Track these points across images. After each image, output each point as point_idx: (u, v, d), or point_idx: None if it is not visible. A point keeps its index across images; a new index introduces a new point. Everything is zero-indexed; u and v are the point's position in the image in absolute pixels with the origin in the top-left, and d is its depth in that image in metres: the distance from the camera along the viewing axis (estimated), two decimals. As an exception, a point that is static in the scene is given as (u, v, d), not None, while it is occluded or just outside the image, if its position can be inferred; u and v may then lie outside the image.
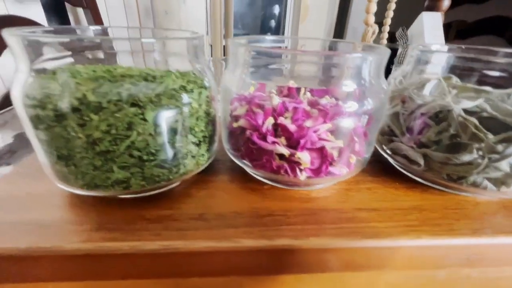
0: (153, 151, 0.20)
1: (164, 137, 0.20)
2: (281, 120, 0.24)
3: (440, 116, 0.25)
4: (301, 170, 0.23)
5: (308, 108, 0.25)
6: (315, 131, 0.23)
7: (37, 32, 0.22)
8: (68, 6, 1.36)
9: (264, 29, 2.35)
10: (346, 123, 0.23)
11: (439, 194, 0.26)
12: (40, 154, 0.21)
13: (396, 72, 0.31)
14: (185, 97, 0.21)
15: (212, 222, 0.21)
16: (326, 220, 0.22)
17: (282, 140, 0.23)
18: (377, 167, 0.30)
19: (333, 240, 0.20)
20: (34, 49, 0.19)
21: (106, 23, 1.60)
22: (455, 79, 0.26)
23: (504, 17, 1.46)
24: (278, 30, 2.33)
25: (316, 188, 0.26)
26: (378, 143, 0.31)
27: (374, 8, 0.67)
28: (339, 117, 0.23)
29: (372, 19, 0.67)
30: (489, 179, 0.24)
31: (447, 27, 1.41)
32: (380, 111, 0.25)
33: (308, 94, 0.29)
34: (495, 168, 0.23)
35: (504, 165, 0.23)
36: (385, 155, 0.30)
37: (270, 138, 0.23)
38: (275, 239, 0.20)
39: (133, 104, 0.19)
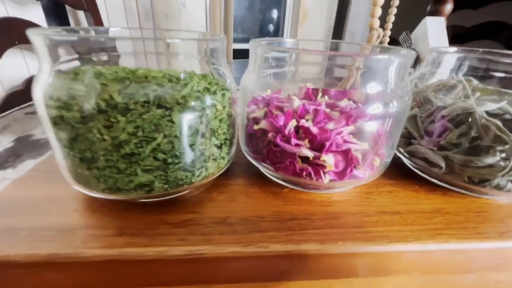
0: (178, 153, 0.20)
1: (189, 139, 0.20)
2: (303, 122, 0.24)
3: (459, 119, 0.25)
4: (325, 173, 0.23)
5: (327, 110, 0.25)
6: (338, 134, 0.23)
7: (60, 32, 0.21)
8: (68, 8, 1.36)
9: (263, 33, 2.37)
10: (370, 125, 0.23)
11: (460, 197, 0.26)
12: (60, 156, 0.20)
13: (412, 75, 0.31)
14: (209, 99, 0.21)
15: (236, 227, 0.21)
16: (351, 223, 0.22)
17: (306, 142, 0.23)
18: (395, 170, 0.30)
19: (361, 244, 0.20)
20: (56, 50, 0.18)
21: (105, 25, 1.60)
22: (475, 82, 0.26)
23: (500, 22, 1.48)
24: (277, 34, 2.34)
25: (337, 192, 0.26)
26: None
27: (379, 12, 0.68)
28: (361, 120, 0.23)
29: (377, 23, 0.68)
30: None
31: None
32: (403, 114, 0.25)
33: (326, 97, 0.28)
34: (519, 170, 0.23)
35: (528, 167, 0.22)
36: (403, 158, 0.29)
37: (294, 141, 0.22)
38: (302, 244, 0.19)
39: (160, 106, 0.18)
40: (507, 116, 0.24)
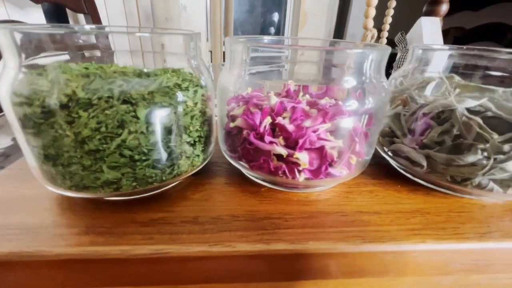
0: (145, 150, 0.19)
1: (157, 136, 0.19)
2: (279, 120, 0.23)
3: (443, 117, 0.25)
4: (299, 171, 0.22)
5: (307, 108, 0.24)
6: (314, 131, 0.23)
7: (27, 26, 0.21)
8: (69, 12, 1.37)
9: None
10: (346, 123, 0.23)
11: (443, 196, 0.25)
12: (28, 154, 0.20)
13: (396, 73, 0.30)
14: (179, 95, 0.20)
15: (207, 226, 0.20)
16: (326, 223, 0.21)
17: (280, 140, 0.22)
18: (379, 170, 0.29)
19: (334, 244, 0.19)
20: (25, 44, 0.18)
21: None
22: (457, 78, 0.25)
23: (501, 24, 1.47)
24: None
25: (316, 191, 0.25)
26: (379, 145, 0.30)
27: (373, 12, 0.67)
28: (339, 117, 0.23)
29: (371, 23, 0.67)
30: (495, 181, 0.23)
31: (444, 33, 1.41)
32: (381, 111, 0.24)
33: (307, 95, 0.28)
34: (501, 169, 0.22)
35: (510, 166, 0.22)
36: (387, 157, 0.29)
37: (268, 138, 0.22)
38: (272, 244, 0.19)
39: (125, 101, 0.18)
40: (489, 114, 0.23)
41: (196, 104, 0.22)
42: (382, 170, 0.29)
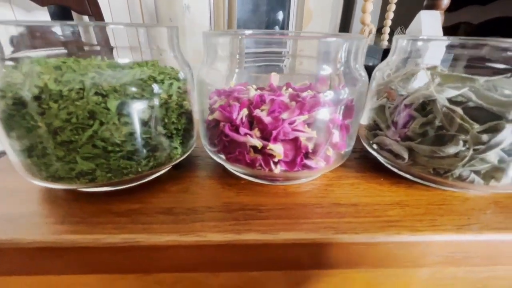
0: (118, 141, 0.20)
1: (130, 127, 0.20)
2: (257, 112, 0.23)
3: (428, 109, 0.24)
4: (275, 163, 0.22)
5: (287, 100, 0.24)
6: (291, 123, 0.22)
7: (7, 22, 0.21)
8: (74, 14, 1.39)
9: (267, 35, 2.36)
10: (323, 114, 0.22)
11: (426, 189, 0.25)
12: (7, 147, 0.21)
13: (381, 64, 0.30)
14: (153, 88, 0.21)
15: (180, 217, 0.20)
16: (300, 215, 0.21)
17: (256, 132, 0.22)
18: (365, 163, 0.29)
19: (305, 234, 0.19)
20: (3, 39, 0.19)
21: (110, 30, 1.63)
22: (440, 69, 0.25)
23: (509, 18, 1.43)
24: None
25: (296, 183, 0.25)
26: (365, 138, 0.30)
27: (370, 7, 0.67)
28: (316, 109, 0.23)
29: (368, 18, 0.67)
30: (476, 173, 0.22)
31: (452, 29, 1.39)
32: (359, 102, 0.24)
33: (290, 89, 0.28)
34: (481, 160, 0.21)
35: (491, 156, 0.21)
36: (371, 150, 0.28)
37: (243, 130, 0.22)
38: (242, 234, 0.19)
39: (96, 93, 0.18)
40: (471, 104, 0.22)
41: (170, 96, 0.22)
42: (367, 164, 0.29)
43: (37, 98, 0.18)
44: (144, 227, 0.19)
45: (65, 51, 0.21)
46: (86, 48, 0.22)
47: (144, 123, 0.21)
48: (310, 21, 2.14)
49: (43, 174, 0.20)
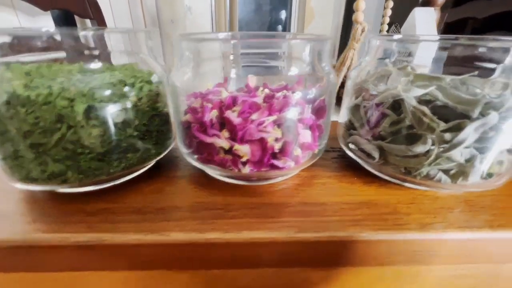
0: (87, 144, 0.20)
1: (99, 130, 0.20)
2: (227, 113, 0.24)
3: (398, 108, 0.24)
4: (243, 163, 0.23)
5: (261, 101, 0.25)
6: (260, 124, 0.23)
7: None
8: (77, 18, 1.42)
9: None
10: (292, 114, 0.23)
11: (397, 188, 0.25)
12: (-14, 149, 0.22)
13: (362, 64, 0.29)
14: (122, 91, 0.21)
15: (148, 216, 0.21)
16: (267, 214, 0.21)
17: (224, 133, 0.23)
18: (341, 162, 0.29)
19: (267, 233, 0.19)
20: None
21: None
22: (410, 68, 0.25)
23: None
24: (283, 34, 2.32)
25: (268, 183, 0.25)
26: (342, 138, 0.30)
27: (363, 5, 0.66)
28: (286, 109, 0.23)
29: (361, 16, 0.66)
30: (445, 171, 0.22)
31: (457, 24, 1.36)
32: (329, 101, 0.24)
33: (266, 90, 0.28)
34: (447, 158, 0.21)
35: (456, 155, 0.21)
36: (346, 150, 0.29)
37: (211, 131, 0.23)
38: (206, 233, 0.19)
39: (64, 98, 0.19)
40: (438, 103, 0.22)
41: (140, 99, 0.23)
42: (344, 163, 0.29)
43: (7, 103, 0.18)
44: (112, 226, 0.20)
45: (58, 55, 0.22)
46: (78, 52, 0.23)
47: (114, 126, 0.21)
48: (312, 20, 2.13)
49: (18, 175, 0.21)
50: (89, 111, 0.20)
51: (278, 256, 0.20)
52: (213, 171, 0.24)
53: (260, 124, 0.23)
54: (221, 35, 0.31)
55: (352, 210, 0.22)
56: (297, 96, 0.24)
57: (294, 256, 0.20)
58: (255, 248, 0.20)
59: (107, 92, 0.21)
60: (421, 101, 0.23)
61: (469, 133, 0.20)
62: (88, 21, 1.48)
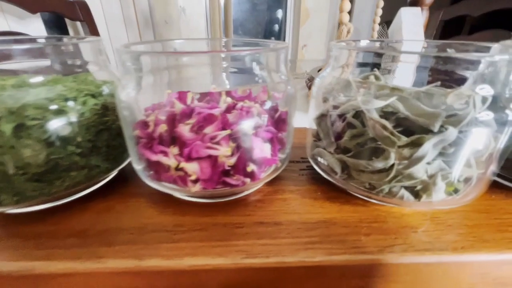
0: (20, 164, 0.19)
1: (32, 150, 0.19)
2: (179, 127, 0.22)
3: (360, 120, 0.23)
4: (193, 181, 0.21)
5: (219, 113, 0.23)
6: (212, 138, 0.21)
7: None
8: (68, 20, 1.41)
9: (265, 34, 2.35)
10: (246, 127, 0.21)
11: (362, 205, 0.23)
12: None
13: (324, 72, 0.28)
14: (59, 107, 0.20)
15: (90, 240, 0.20)
16: (215, 236, 0.20)
17: (173, 149, 0.21)
18: (308, 175, 0.28)
19: (210, 259, 0.18)
20: None
21: (105, 35, 1.64)
22: (372, 78, 0.23)
23: (508, 10, 1.38)
24: (279, 34, 2.32)
25: (226, 200, 0.24)
26: (309, 149, 0.29)
27: (348, 6, 0.65)
28: (242, 122, 0.22)
29: (346, 17, 0.65)
30: (408, 188, 0.21)
31: (452, 22, 1.35)
32: (286, 114, 0.23)
33: (229, 99, 0.27)
34: (408, 175, 0.20)
35: (418, 171, 0.20)
36: (312, 162, 0.27)
37: (158, 147, 0.21)
38: (145, 259, 0.18)
39: (-8, 116, 0.18)
40: (401, 115, 0.21)
41: (83, 114, 0.21)
42: (310, 176, 0.28)
43: None
44: (48, 253, 0.19)
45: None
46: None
47: (51, 144, 0.20)
48: (307, 19, 2.11)
49: None
50: (20, 130, 0.18)
51: (223, 284, 0.19)
52: (165, 189, 0.23)
53: (212, 138, 0.21)
54: (175, 42, 0.29)
55: (309, 230, 0.21)
56: (255, 108, 0.23)
57: (239, 283, 0.19)
58: (197, 276, 0.18)
59: (42, 109, 0.19)
60: (385, 112, 0.21)
61: (428, 149, 0.19)
62: (78, 23, 1.47)
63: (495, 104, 0.19)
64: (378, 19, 0.89)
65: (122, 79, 0.22)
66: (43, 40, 0.30)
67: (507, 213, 0.22)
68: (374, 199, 0.23)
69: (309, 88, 0.68)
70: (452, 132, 0.18)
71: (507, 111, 0.19)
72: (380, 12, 0.90)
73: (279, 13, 2.27)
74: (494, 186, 0.25)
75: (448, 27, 1.46)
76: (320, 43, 2.14)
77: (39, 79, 0.21)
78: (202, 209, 0.23)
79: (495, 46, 0.24)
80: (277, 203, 0.24)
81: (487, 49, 0.24)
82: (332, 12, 2.16)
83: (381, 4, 0.87)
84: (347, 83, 0.25)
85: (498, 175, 0.26)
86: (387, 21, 0.91)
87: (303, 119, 0.29)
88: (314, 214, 0.22)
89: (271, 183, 0.26)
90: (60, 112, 0.20)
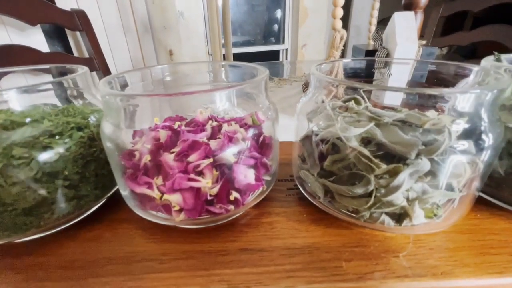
0: (9, 201, 0.20)
1: (20, 187, 0.20)
2: (164, 156, 0.23)
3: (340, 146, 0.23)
4: (177, 211, 0.22)
5: (204, 138, 0.24)
6: (196, 167, 0.22)
7: None
8: (68, 30, 1.42)
9: (264, 35, 2.35)
10: (228, 155, 0.22)
11: (346, 228, 0.24)
12: None
13: (307, 97, 0.28)
14: (46, 143, 0.21)
15: (76, 272, 0.20)
16: (199, 265, 0.21)
17: (157, 180, 0.22)
18: (295, 195, 0.28)
19: (193, 291, 0.19)
20: None
21: (105, 43, 1.65)
22: (352, 104, 0.23)
23: (507, 4, 1.36)
24: (278, 35, 2.32)
25: (212, 226, 0.25)
26: (296, 169, 0.29)
27: (340, 13, 0.65)
28: (224, 150, 0.22)
29: (339, 24, 0.65)
30: (389, 214, 0.21)
31: (451, 18, 1.34)
32: (270, 136, 0.23)
33: (215, 122, 0.27)
34: (388, 202, 0.20)
35: (397, 198, 0.20)
36: (298, 184, 0.28)
37: (142, 179, 0.22)
38: (129, 292, 0.19)
39: (-21, 157, 0.18)
40: (380, 141, 0.21)
41: (69, 148, 0.22)
42: (297, 196, 0.28)
43: None
44: (39, 286, 0.19)
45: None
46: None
47: (38, 180, 0.20)
48: (306, 19, 2.11)
49: None
50: (7, 170, 0.19)
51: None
52: (151, 218, 0.23)
53: (196, 167, 0.22)
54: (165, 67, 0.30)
55: (291, 256, 0.21)
56: (239, 133, 0.23)
57: (223, 314, 0.19)
58: (180, 307, 0.19)
59: (27, 147, 0.20)
60: (364, 138, 0.22)
61: (404, 178, 0.19)
62: (78, 34, 1.48)
63: (472, 131, 0.19)
64: (374, 21, 0.89)
65: (104, 112, 0.23)
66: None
67: (490, 234, 0.23)
68: (358, 222, 0.23)
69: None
70: (425, 163, 0.18)
71: (484, 137, 0.19)
72: (375, 13, 0.89)
73: (278, 13, 2.27)
74: (480, 203, 0.25)
75: (449, 23, 1.44)
76: (320, 43, 2.13)
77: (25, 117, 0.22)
78: (189, 234, 0.24)
79: (475, 70, 0.24)
80: (263, 227, 0.24)
81: (470, 71, 0.24)
82: (330, 11, 2.14)
83: (377, 5, 0.86)
84: (327, 110, 0.25)
85: (483, 192, 0.26)
86: (384, 18, 0.90)
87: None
88: (298, 239, 0.23)
89: (258, 204, 0.26)
90: (46, 149, 0.21)
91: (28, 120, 0.21)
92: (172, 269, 0.20)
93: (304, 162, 0.27)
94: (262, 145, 0.25)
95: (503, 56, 0.27)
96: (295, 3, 2.08)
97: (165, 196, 0.21)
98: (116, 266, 0.21)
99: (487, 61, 0.26)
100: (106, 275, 0.20)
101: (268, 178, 0.25)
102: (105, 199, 0.26)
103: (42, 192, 0.21)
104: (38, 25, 1.31)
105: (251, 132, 0.24)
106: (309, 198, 0.26)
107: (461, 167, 0.19)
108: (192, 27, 1.87)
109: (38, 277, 0.20)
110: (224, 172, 0.22)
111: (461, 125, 0.19)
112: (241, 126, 0.25)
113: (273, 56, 2.25)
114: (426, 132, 0.20)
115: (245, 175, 0.23)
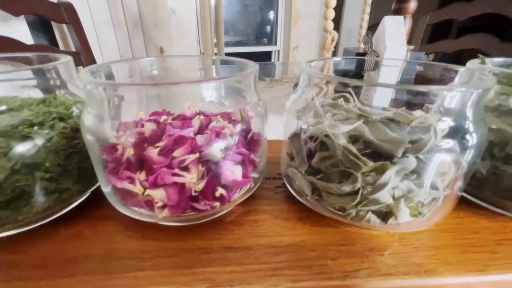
0: (-18, 194, 0.19)
1: (-4, 178, 0.19)
2: (148, 150, 0.22)
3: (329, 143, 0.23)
4: (160, 207, 0.21)
5: (191, 133, 0.23)
6: (180, 162, 0.21)
7: None
8: (54, 23, 1.38)
9: (256, 36, 2.35)
10: (215, 150, 0.21)
11: (333, 226, 0.24)
12: None
13: (295, 95, 0.28)
14: (25, 133, 0.20)
15: (52, 270, 0.19)
16: (181, 263, 0.20)
17: (140, 175, 0.21)
18: (283, 193, 0.28)
19: (174, 289, 0.18)
20: None
21: (93, 38, 1.62)
22: (340, 102, 0.23)
23: (492, 14, 1.41)
24: (270, 36, 2.32)
25: (197, 223, 0.24)
26: (284, 167, 0.29)
27: (332, 14, 0.65)
28: (211, 145, 0.21)
29: (330, 25, 0.65)
30: (375, 212, 0.21)
31: (439, 25, 1.37)
32: (258, 132, 0.23)
33: (202, 116, 0.27)
34: (374, 200, 0.20)
35: (384, 196, 0.20)
36: (285, 181, 0.27)
37: (124, 173, 0.21)
38: (108, 291, 0.18)
39: None
40: (368, 139, 0.21)
41: (51, 139, 0.21)
42: (285, 194, 0.28)
43: None
44: (6, 286, 0.18)
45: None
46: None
47: (16, 172, 0.19)
48: (298, 20, 2.12)
49: None
50: (-22, 161, 0.18)
51: (188, 314, 0.18)
52: (133, 214, 0.23)
53: (181, 162, 0.21)
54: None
55: (277, 255, 0.21)
56: (227, 129, 0.23)
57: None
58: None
59: (4, 137, 0.19)
60: (352, 136, 0.22)
61: (391, 176, 0.19)
62: (64, 26, 1.44)
63: (457, 130, 0.19)
64: (364, 25, 0.90)
65: (86, 103, 0.22)
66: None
67: (472, 232, 0.23)
68: (344, 220, 0.23)
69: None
70: (412, 161, 0.18)
71: (468, 137, 0.19)
72: (366, 17, 0.90)
73: (271, 15, 2.27)
74: (462, 202, 0.26)
75: (435, 31, 1.48)
76: (311, 45, 2.15)
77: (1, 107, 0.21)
78: (172, 232, 0.23)
79: (461, 70, 0.24)
80: (248, 225, 0.24)
81: (455, 72, 0.25)
82: (323, 13, 2.16)
83: (367, 10, 0.87)
84: (316, 106, 0.25)
85: (466, 191, 0.26)
86: (375, 23, 0.92)
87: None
88: (284, 237, 0.22)
89: (245, 202, 0.26)
90: (26, 139, 0.19)
91: (3, 107, 0.20)
92: (153, 267, 0.20)
93: (292, 159, 0.26)
94: (250, 142, 0.24)
95: (487, 60, 0.28)
96: (287, 5, 2.09)
97: (148, 192, 0.20)
98: (94, 264, 0.20)
99: (472, 64, 0.27)
100: (81, 274, 0.19)
101: (255, 175, 0.25)
102: (88, 194, 0.25)
103: (20, 184, 0.20)
104: (22, 16, 1.26)
105: (239, 127, 0.23)
106: (297, 196, 0.25)
107: (445, 165, 0.20)
108: (184, 24, 1.85)
109: (12, 276, 0.19)
110: (210, 168, 0.22)
111: (447, 123, 0.19)
112: (229, 122, 0.24)
113: (265, 57, 2.25)
114: (413, 131, 0.20)
115: (232, 171, 0.23)
